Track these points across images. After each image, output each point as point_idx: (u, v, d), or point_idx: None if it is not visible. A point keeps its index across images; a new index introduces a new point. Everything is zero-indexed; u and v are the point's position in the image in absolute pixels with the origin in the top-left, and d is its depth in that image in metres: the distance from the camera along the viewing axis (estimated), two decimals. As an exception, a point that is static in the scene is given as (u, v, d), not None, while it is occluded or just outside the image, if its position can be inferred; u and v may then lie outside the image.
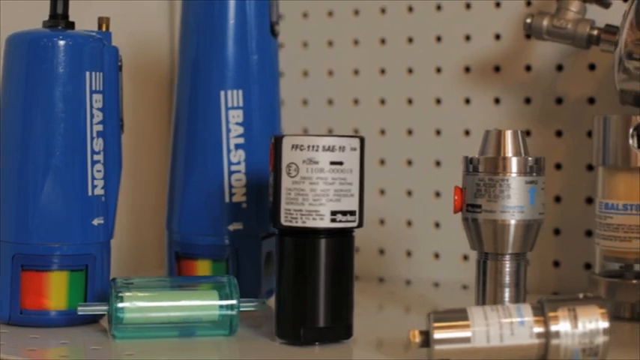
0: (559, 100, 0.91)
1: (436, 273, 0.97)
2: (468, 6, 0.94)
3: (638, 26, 0.76)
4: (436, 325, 0.64)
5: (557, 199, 0.91)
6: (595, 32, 0.81)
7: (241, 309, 0.73)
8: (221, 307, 0.73)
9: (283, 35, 0.99)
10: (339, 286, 0.70)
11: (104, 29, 0.77)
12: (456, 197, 0.73)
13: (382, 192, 0.99)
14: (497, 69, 0.93)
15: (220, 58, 0.82)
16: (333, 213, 0.69)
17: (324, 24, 1.01)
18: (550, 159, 0.90)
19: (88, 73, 0.75)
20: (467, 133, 0.94)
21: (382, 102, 0.99)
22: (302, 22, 1.02)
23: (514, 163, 0.72)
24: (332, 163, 0.68)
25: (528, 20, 0.83)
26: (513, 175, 0.71)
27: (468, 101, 0.94)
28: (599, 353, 0.63)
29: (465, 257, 0.94)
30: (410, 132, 0.97)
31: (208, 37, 0.83)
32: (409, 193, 0.98)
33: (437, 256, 0.97)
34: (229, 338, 0.72)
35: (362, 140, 0.70)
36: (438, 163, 0.96)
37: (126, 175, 0.80)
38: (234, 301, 0.73)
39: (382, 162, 0.99)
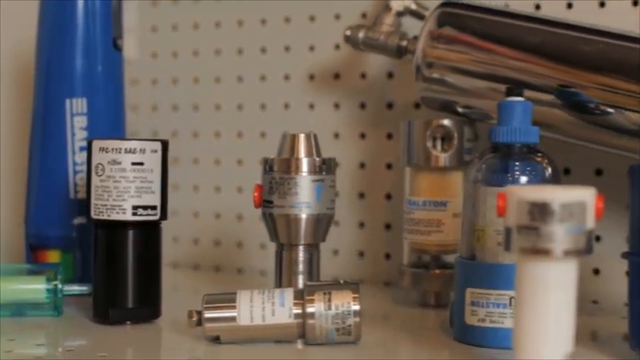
0: (389, 105, 0.99)
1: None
2: (312, 18, 1.02)
3: (435, 36, 0.84)
4: (206, 305, 0.72)
5: (387, 196, 1.00)
6: (404, 43, 0.89)
7: (65, 293, 0.82)
8: (47, 290, 0.81)
9: (163, 46, 1.09)
10: (146, 272, 0.79)
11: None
12: (255, 194, 0.81)
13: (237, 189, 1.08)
14: (337, 76, 1.01)
15: (68, 68, 0.91)
16: (135, 207, 0.77)
17: (190, 35, 1.10)
18: (382, 159, 0.99)
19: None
20: (336, 136, 1.01)
21: (239, 107, 1.07)
22: (171, 35, 1.11)
23: (304, 164, 0.80)
24: (133, 163, 0.77)
25: (347, 32, 0.91)
26: (303, 174, 0.80)
27: (312, 106, 1.03)
28: (352, 333, 0.71)
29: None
30: (262, 134, 1.06)
31: (58, 49, 0.91)
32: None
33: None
34: (56, 318, 0.81)
35: (164, 143, 0.78)
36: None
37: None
38: (58, 286, 0.81)
39: (239, 162, 1.07)
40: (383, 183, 0.98)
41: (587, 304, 0.87)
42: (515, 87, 0.73)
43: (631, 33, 0.80)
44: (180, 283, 1.00)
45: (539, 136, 0.72)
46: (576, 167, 0.89)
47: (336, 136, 1.01)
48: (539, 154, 0.73)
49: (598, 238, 0.88)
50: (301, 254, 0.81)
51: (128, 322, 0.78)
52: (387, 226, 0.98)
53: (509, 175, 0.71)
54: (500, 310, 0.70)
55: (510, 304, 0.70)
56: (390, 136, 0.98)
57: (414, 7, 0.90)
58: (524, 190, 0.58)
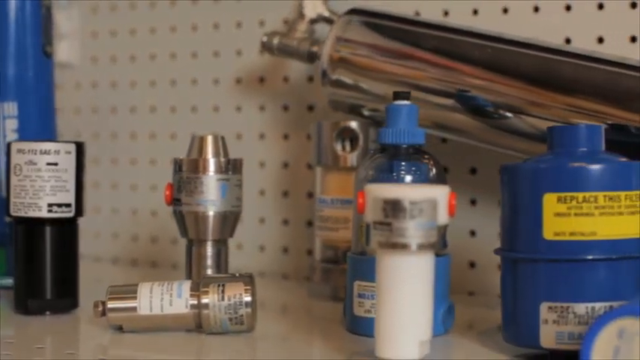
0: (310, 108, 1.03)
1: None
2: (239, 25, 1.07)
3: (340, 41, 0.89)
4: (110, 296, 0.77)
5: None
6: (315, 49, 0.93)
7: (-7, 286, 0.88)
8: (-28, 283, 0.88)
9: (102, 51, 1.14)
10: (64, 265, 0.84)
11: None
12: (166, 192, 0.86)
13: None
14: (261, 80, 1.06)
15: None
16: (50, 205, 0.82)
17: (126, 40, 1.15)
18: (304, 159, 1.03)
19: None
20: (239, 137, 1.07)
21: (172, 109, 1.12)
22: (110, 40, 1.16)
23: (211, 164, 0.84)
24: (48, 164, 0.82)
25: (264, 39, 0.95)
26: (209, 173, 0.84)
27: (239, 109, 1.07)
28: (245, 322, 0.75)
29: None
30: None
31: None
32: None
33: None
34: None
35: (78, 145, 0.83)
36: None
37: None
38: (-18, 279, 0.87)
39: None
40: (304, 182, 1.03)
41: (464, 296, 0.92)
42: (402, 91, 0.77)
43: (528, 40, 0.84)
44: (101, 276, 1.04)
45: (424, 137, 0.77)
46: (453, 166, 0.95)
47: (262, 137, 1.06)
48: (426, 155, 0.78)
49: (473, 233, 0.94)
50: (209, 249, 0.86)
51: (47, 313, 0.83)
52: (309, 223, 1.03)
53: (394, 174, 0.76)
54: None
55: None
56: (310, 137, 1.03)
57: (326, 14, 0.94)
58: (379, 188, 0.63)
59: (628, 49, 0.87)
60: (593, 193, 0.65)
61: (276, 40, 0.94)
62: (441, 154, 0.80)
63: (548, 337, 0.66)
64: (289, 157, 1.04)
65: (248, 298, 0.75)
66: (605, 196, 0.65)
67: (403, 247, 0.62)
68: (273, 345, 0.76)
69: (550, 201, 0.66)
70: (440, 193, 0.62)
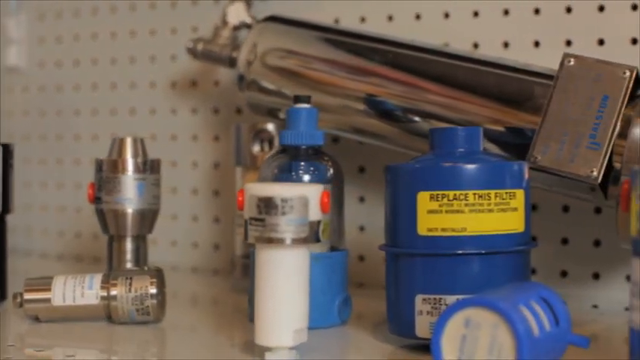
0: (239, 110, 1.08)
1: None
2: (174, 31, 1.12)
3: (256, 47, 0.93)
4: (26, 288, 0.81)
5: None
6: (235, 54, 0.97)
7: None
8: None
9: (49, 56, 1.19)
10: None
11: None
12: (89, 191, 0.90)
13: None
14: (194, 84, 1.11)
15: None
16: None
17: (70, 46, 1.20)
18: (232, 160, 1.06)
19: None
20: (173, 138, 1.12)
21: (113, 112, 1.17)
22: (55, 46, 1.21)
23: (129, 164, 0.89)
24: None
25: (189, 45, 1.00)
26: (127, 173, 0.89)
27: (174, 111, 1.12)
28: (151, 313, 0.80)
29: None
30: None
31: None
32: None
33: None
34: None
35: (5, 147, 0.88)
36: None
37: None
38: None
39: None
40: (234, 181, 1.07)
41: (355, 288, 0.94)
42: (302, 95, 0.82)
43: (429, 45, 0.89)
44: (30, 270, 1.07)
45: (323, 139, 0.82)
46: (344, 165, 0.97)
47: (195, 138, 1.10)
48: (325, 156, 0.82)
49: (362, 228, 0.99)
50: (129, 245, 0.90)
51: (-25, 305, 0.89)
52: (239, 221, 1.08)
53: (293, 174, 0.81)
54: (282, 293, 0.79)
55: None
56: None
57: (249, 21, 0.99)
58: (254, 187, 0.67)
59: (533, 53, 0.91)
60: (464, 191, 0.69)
61: (200, 46, 0.99)
62: (333, 153, 0.84)
63: (423, 327, 0.71)
64: (220, 157, 1.09)
65: (154, 291, 0.80)
66: (475, 194, 0.69)
67: (276, 241, 0.66)
68: (179, 334, 0.80)
69: (423, 199, 0.70)
70: (311, 191, 0.67)
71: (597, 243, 0.89)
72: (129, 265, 0.90)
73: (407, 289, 0.72)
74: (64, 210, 1.21)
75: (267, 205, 0.66)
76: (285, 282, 0.67)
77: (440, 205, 0.70)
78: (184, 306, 0.91)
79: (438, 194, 0.70)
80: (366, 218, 0.99)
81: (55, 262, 1.19)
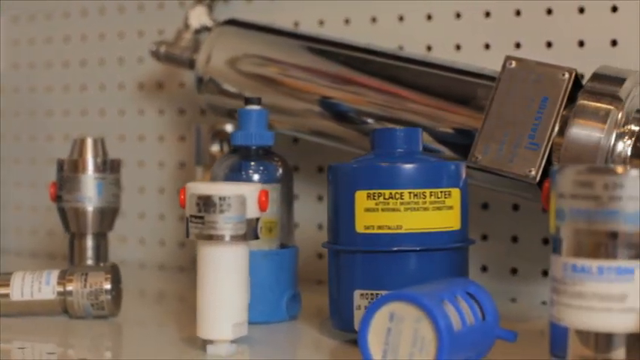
0: (203, 111, 1.10)
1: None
2: (141, 34, 1.14)
3: (213, 50, 0.95)
4: (-16, 285, 0.84)
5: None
6: (195, 57, 0.99)
7: None
8: None
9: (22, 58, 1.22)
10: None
11: None
12: (51, 190, 0.93)
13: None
14: (160, 86, 1.14)
15: None
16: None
17: (43, 48, 1.22)
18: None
19: None
20: (141, 139, 1.15)
21: (83, 113, 1.20)
22: (28, 48, 1.24)
23: (89, 164, 0.92)
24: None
25: (152, 48, 1.02)
26: (87, 173, 0.92)
27: (141, 112, 1.15)
28: (106, 308, 0.83)
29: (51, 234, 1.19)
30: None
31: None
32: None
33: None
34: None
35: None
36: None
37: None
38: None
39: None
40: (195, 180, 1.10)
41: (312, 284, 0.98)
42: (252, 97, 0.84)
43: (376, 47, 0.91)
44: (3, 268, 1.08)
45: (273, 139, 0.84)
46: (302, 165, 1.03)
47: (161, 139, 1.13)
48: (275, 156, 0.85)
49: (321, 227, 1.02)
50: (89, 242, 0.93)
51: None
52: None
53: (243, 173, 0.83)
54: (232, 289, 0.82)
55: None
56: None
57: (210, 24, 1.01)
58: (194, 186, 0.70)
59: (484, 55, 0.93)
60: (399, 190, 0.72)
61: (163, 49, 1.01)
62: (292, 153, 0.87)
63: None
64: (185, 157, 1.11)
65: (108, 286, 0.83)
66: (410, 192, 0.72)
67: (214, 238, 0.69)
68: (132, 328, 0.83)
69: (361, 197, 0.73)
70: (248, 191, 0.69)
71: (546, 241, 0.92)
72: (90, 262, 0.93)
73: (346, 285, 0.74)
74: (37, 209, 1.23)
75: (205, 203, 0.68)
76: (225, 277, 0.69)
77: (376, 204, 0.72)
78: (147, 302, 0.94)
79: (374, 193, 0.72)
80: (325, 216, 1.00)
81: (29, 260, 1.22)
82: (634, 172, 0.60)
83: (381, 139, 0.76)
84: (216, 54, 0.95)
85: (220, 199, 0.68)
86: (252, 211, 0.69)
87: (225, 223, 0.68)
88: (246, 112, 0.83)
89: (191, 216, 0.69)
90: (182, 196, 0.70)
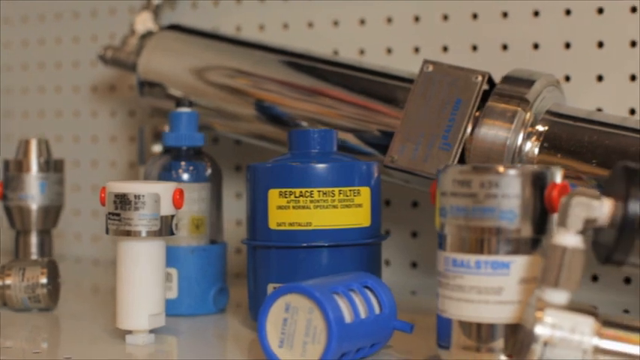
0: (152, 113, 1.14)
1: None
2: (94, 38, 1.18)
3: (152, 54, 0.99)
4: None
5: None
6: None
7: None
8: None
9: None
10: None
11: None
12: (-1, 189, 0.98)
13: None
14: (112, 88, 1.18)
15: None
16: None
17: (1, 52, 1.26)
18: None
19: None
20: (94, 140, 1.19)
21: (41, 114, 1.24)
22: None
23: (32, 164, 0.96)
24: None
25: (100, 52, 1.06)
26: (31, 172, 0.96)
27: (95, 114, 1.19)
28: (42, 301, 0.87)
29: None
30: (59, 139, 1.22)
31: None
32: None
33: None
34: None
35: None
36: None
37: None
38: None
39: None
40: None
41: (231, 278, 1.02)
42: (183, 99, 0.88)
43: (303, 50, 0.95)
44: None
45: (203, 140, 0.88)
46: (222, 164, 1.03)
47: (113, 139, 1.17)
48: (205, 156, 0.89)
49: (239, 223, 1.06)
50: (34, 239, 0.97)
51: None
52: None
53: (173, 172, 0.87)
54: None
55: (168, 279, 0.85)
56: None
57: (154, 30, 1.05)
58: (112, 184, 0.74)
59: (413, 59, 0.97)
60: (309, 189, 0.76)
61: (109, 53, 1.05)
62: (212, 153, 0.91)
63: (275, 313, 0.78)
64: (135, 157, 1.15)
65: (44, 280, 0.86)
66: (319, 191, 0.76)
67: (130, 234, 0.73)
68: (68, 321, 0.87)
69: (273, 195, 0.77)
70: (163, 189, 0.73)
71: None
72: (34, 258, 0.97)
73: (262, 279, 0.78)
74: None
75: (122, 201, 0.73)
76: (141, 271, 0.74)
77: (287, 202, 0.76)
78: (87, 295, 0.98)
79: (285, 191, 0.76)
80: (243, 213, 1.04)
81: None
82: (511, 172, 0.64)
83: (296, 139, 0.80)
84: (155, 58, 0.99)
85: (135, 197, 0.72)
86: (167, 209, 0.73)
87: (140, 220, 0.72)
88: (177, 115, 0.87)
89: (109, 213, 0.73)
90: (102, 195, 0.75)
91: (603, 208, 0.60)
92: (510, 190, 0.63)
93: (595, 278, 0.92)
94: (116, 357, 0.72)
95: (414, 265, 0.99)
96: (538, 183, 0.63)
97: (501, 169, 0.64)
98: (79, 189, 1.19)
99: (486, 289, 0.63)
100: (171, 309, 0.84)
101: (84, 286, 1.03)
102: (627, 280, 0.91)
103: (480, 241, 0.64)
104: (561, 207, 0.61)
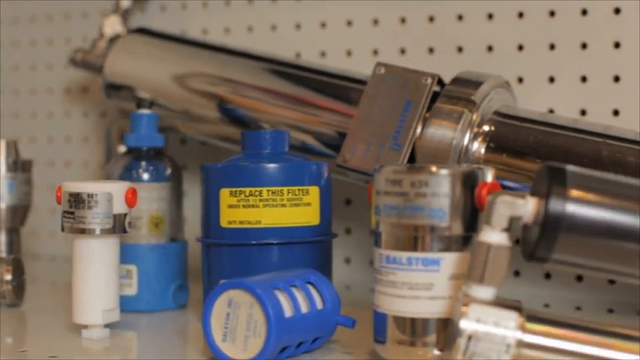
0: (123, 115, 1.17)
1: None
2: (68, 41, 1.21)
3: (118, 57, 1.02)
4: None
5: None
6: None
7: None
8: None
9: None
10: None
11: None
12: (-34, 189, 1.00)
13: None
14: (85, 90, 1.20)
15: None
16: None
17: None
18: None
19: None
20: (67, 140, 1.21)
21: (15, 116, 1.26)
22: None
23: (1, 164, 0.99)
24: None
25: (71, 55, 1.09)
26: (1, 173, 0.99)
27: (68, 115, 1.22)
28: (7, 297, 0.89)
29: None
30: (33, 140, 1.24)
31: None
32: None
33: None
34: None
35: None
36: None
37: None
38: None
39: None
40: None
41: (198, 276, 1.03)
42: (144, 100, 0.91)
43: (264, 53, 0.98)
44: None
45: (163, 141, 0.91)
46: (190, 164, 1.09)
47: (86, 140, 1.20)
48: (165, 157, 0.91)
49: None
50: (2, 237, 1.00)
51: None
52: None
53: (134, 172, 0.90)
54: (122, 280, 0.88)
55: (128, 276, 0.88)
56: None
57: (123, 33, 1.08)
58: (67, 184, 0.76)
59: (372, 61, 0.95)
60: (258, 188, 0.78)
61: (79, 56, 1.08)
62: (180, 153, 0.94)
63: (227, 308, 0.80)
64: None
65: (9, 277, 0.89)
66: (268, 190, 0.78)
67: (84, 231, 0.75)
68: (33, 316, 0.89)
69: (225, 195, 0.79)
70: (116, 188, 0.76)
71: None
72: (3, 255, 0.99)
73: (215, 276, 0.81)
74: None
75: (76, 200, 0.75)
76: (94, 267, 0.76)
77: (238, 201, 0.79)
78: (56, 292, 1.00)
79: (236, 190, 0.79)
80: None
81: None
82: (441, 171, 0.66)
83: (249, 140, 0.82)
84: (120, 61, 1.02)
85: (89, 196, 0.75)
86: (120, 207, 0.76)
87: (93, 218, 0.75)
88: (137, 116, 0.90)
89: (64, 212, 0.76)
90: (58, 194, 0.77)
91: (528, 207, 0.63)
92: (440, 189, 0.65)
93: (517, 273, 0.95)
94: (71, 351, 0.75)
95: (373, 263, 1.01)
96: (469, 182, 0.66)
97: (433, 168, 0.66)
98: (53, 189, 1.22)
99: (417, 285, 0.66)
100: (131, 305, 0.87)
101: (57, 284, 1.06)
102: (547, 276, 0.94)
103: (412, 238, 0.66)
104: (487, 205, 0.63)
